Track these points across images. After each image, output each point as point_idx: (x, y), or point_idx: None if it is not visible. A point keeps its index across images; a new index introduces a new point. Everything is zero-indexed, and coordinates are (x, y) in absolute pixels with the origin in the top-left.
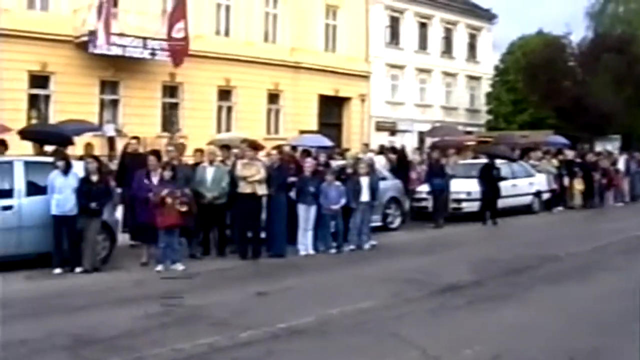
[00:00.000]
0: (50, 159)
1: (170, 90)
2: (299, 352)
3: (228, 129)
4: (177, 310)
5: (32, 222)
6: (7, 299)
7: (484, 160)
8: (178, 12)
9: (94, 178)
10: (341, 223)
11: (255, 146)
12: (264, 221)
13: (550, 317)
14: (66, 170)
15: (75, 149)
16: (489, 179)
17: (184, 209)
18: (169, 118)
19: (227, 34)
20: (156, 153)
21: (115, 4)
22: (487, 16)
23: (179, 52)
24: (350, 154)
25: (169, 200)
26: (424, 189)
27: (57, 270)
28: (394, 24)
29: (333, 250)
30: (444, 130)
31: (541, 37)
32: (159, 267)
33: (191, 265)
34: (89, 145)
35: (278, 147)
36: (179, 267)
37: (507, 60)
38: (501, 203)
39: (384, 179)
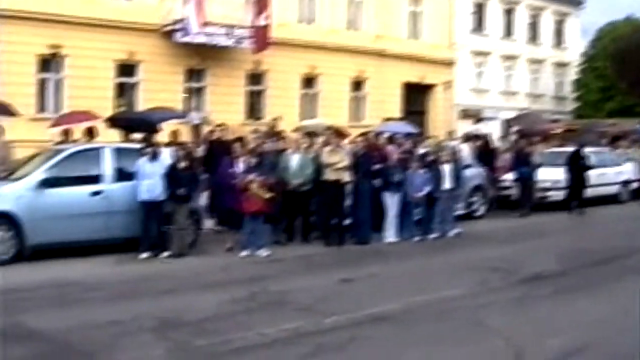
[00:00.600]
0: (137, 146)
1: (255, 78)
2: (383, 339)
3: (312, 117)
4: (262, 295)
5: (120, 207)
6: (96, 282)
7: (571, 148)
8: (263, 1)
9: (182, 164)
10: (425, 211)
11: (340, 133)
12: (349, 208)
13: None
14: (154, 156)
15: (162, 136)
16: (576, 167)
17: (267, 195)
18: (254, 105)
19: (311, 21)
20: (241, 140)
21: None
22: (574, 2)
23: (261, 39)
24: (431, 142)
25: (253, 186)
26: (509, 177)
27: (144, 255)
28: (479, 10)
29: (417, 238)
30: (529, 118)
31: (630, 23)
32: (244, 253)
33: (276, 251)
34: (175, 133)
35: (363, 135)
36: (264, 252)
37: (596, 46)
38: (588, 192)
39: (468, 166)
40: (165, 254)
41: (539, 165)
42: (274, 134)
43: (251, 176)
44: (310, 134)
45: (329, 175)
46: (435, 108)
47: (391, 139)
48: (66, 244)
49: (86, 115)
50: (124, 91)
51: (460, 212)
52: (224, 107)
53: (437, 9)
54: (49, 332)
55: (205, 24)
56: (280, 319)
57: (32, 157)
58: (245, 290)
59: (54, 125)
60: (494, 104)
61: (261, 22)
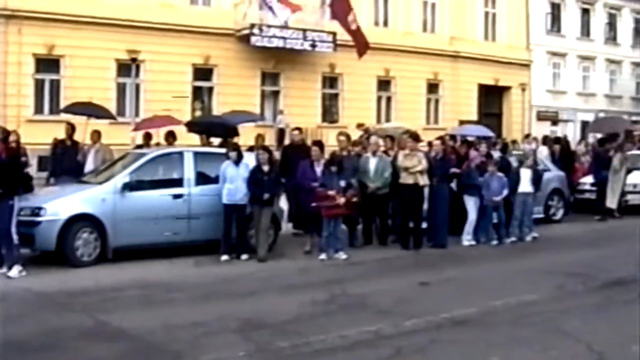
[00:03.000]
0: (217, 150)
1: (330, 81)
2: (463, 342)
3: (387, 119)
4: (342, 297)
5: (201, 210)
6: (178, 283)
7: None
8: (343, 4)
9: (265, 168)
10: (503, 214)
11: (416, 137)
12: (426, 212)
13: None
14: (238, 160)
15: (241, 140)
16: None
17: (355, 199)
18: (329, 109)
19: (385, 24)
20: (319, 144)
21: None
22: None
23: (362, 43)
24: (511, 145)
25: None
26: (587, 180)
27: (225, 257)
28: (555, 10)
29: (494, 242)
30: (609, 122)
31: None
32: (323, 256)
33: (353, 254)
34: (259, 137)
35: (441, 138)
36: (342, 255)
37: None
38: None
39: (546, 170)
40: (245, 256)
41: (630, 170)
42: (360, 138)
43: (332, 192)
44: (389, 137)
45: (406, 178)
46: (511, 110)
47: (468, 142)
48: (147, 246)
49: (168, 120)
50: (200, 95)
51: (538, 215)
52: (299, 110)
53: (512, 9)
54: (134, 332)
55: (281, 27)
56: (360, 321)
57: (115, 161)
58: (324, 292)
59: (136, 129)
60: (570, 106)
61: (352, 26)
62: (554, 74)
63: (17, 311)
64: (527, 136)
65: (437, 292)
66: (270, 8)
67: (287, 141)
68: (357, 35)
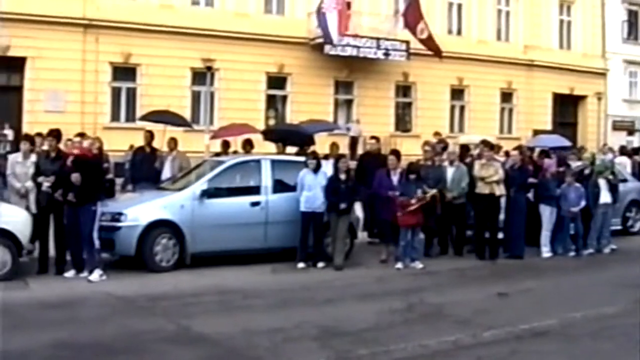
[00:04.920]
0: (294, 158)
1: (404, 89)
2: (544, 353)
3: (461, 129)
4: (420, 307)
5: (278, 218)
6: (255, 289)
7: None
8: (415, 13)
9: (343, 177)
10: (580, 226)
11: (492, 146)
12: (502, 222)
13: None
14: (316, 168)
15: (317, 148)
16: None
17: (428, 199)
18: (402, 117)
19: (459, 32)
20: (396, 152)
21: (349, 6)
22: None
23: (435, 47)
24: (586, 155)
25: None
26: None
27: (301, 265)
28: (632, 18)
29: (572, 253)
30: None
31: None
32: (399, 265)
33: (429, 264)
34: (334, 145)
35: (517, 148)
36: (418, 265)
37: None
38: None
39: (625, 180)
40: (321, 264)
41: None
42: (444, 148)
43: (413, 201)
44: (465, 146)
45: (482, 188)
46: (586, 119)
47: (545, 153)
48: (225, 253)
49: (245, 128)
50: (274, 103)
51: (615, 227)
52: (372, 119)
53: (587, 17)
54: (215, 337)
55: (354, 36)
56: (439, 330)
57: (194, 168)
58: (402, 301)
59: (213, 137)
60: None
61: (421, 35)
62: (631, 83)
63: (99, 314)
64: (604, 146)
65: (516, 303)
66: (325, 27)
67: (360, 150)
68: (428, 44)
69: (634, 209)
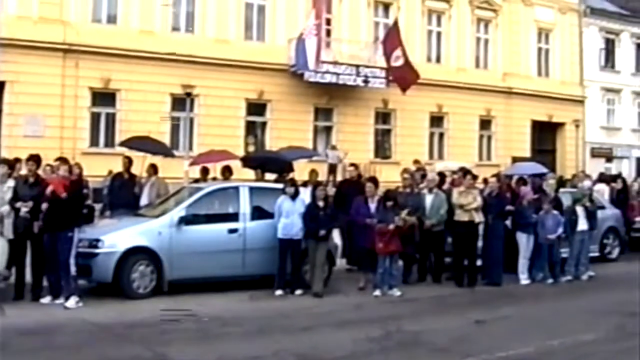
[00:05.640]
0: (272, 185)
1: (383, 116)
2: None
3: (440, 156)
4: (397, 334)
5: (256, 244)
6: (233, 317)
7: None
8: (393, 40)
9: (321, 204)
10: (558, 253)
11: (470, 174)
12: (481, 249)
13: None
14: (294, 195)
15: (297, 175)
16: None
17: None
18: (382, 144)
19: (438, 60)
20: (374, 180)
21: (328, 34)
22: None
23: (407, 79)
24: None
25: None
26: None
27: (279, 292)
28: (610, 46)
29: (550, 280)
30: None
31: None
32: (377, 292)
33: (407, 291)
34: (313, 172)
35: (496, 175)
36: (396, 292)
37: None
38: None
39: (602, 207)
40: (299, 291)
41: None
42: (423, 176)
43: (391, 226)
44: (441, 174)
45: (461, 215)
46: (565, 147)
47: (523, 180)
48: (202, 280)
49: (224, 154)
50: (253, 129)
51: (593, 254)
52: (351, 146)
53: (565, 45)
54: None
55: (334, 63)
56: (416, 358)
57: (172, 194)
58: (380, 329)
59: (193, 163)
60: (625, 142)
61: (396, 62)
62: (608, 110)
63: (75, 341)
64: (583, 173)
65: (493, 331)
66: (303, 54)
67: (339, 176)
68: (403, 71)
69: (611, 236)
